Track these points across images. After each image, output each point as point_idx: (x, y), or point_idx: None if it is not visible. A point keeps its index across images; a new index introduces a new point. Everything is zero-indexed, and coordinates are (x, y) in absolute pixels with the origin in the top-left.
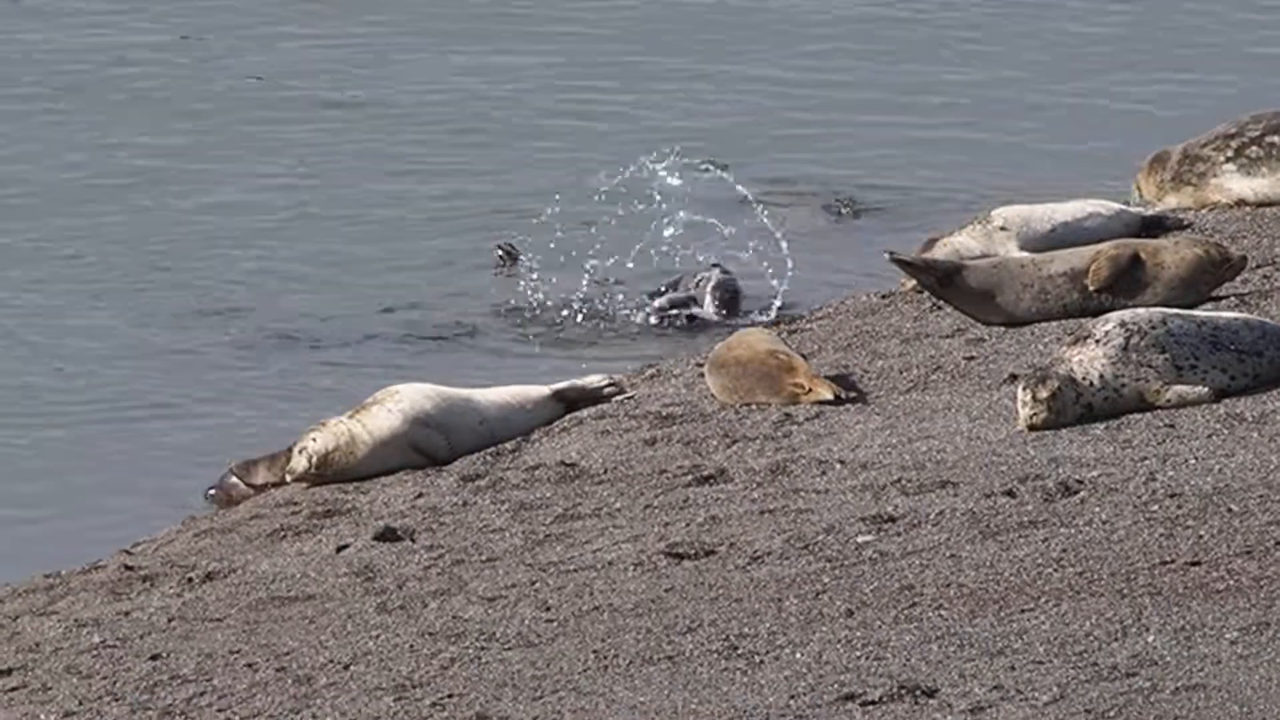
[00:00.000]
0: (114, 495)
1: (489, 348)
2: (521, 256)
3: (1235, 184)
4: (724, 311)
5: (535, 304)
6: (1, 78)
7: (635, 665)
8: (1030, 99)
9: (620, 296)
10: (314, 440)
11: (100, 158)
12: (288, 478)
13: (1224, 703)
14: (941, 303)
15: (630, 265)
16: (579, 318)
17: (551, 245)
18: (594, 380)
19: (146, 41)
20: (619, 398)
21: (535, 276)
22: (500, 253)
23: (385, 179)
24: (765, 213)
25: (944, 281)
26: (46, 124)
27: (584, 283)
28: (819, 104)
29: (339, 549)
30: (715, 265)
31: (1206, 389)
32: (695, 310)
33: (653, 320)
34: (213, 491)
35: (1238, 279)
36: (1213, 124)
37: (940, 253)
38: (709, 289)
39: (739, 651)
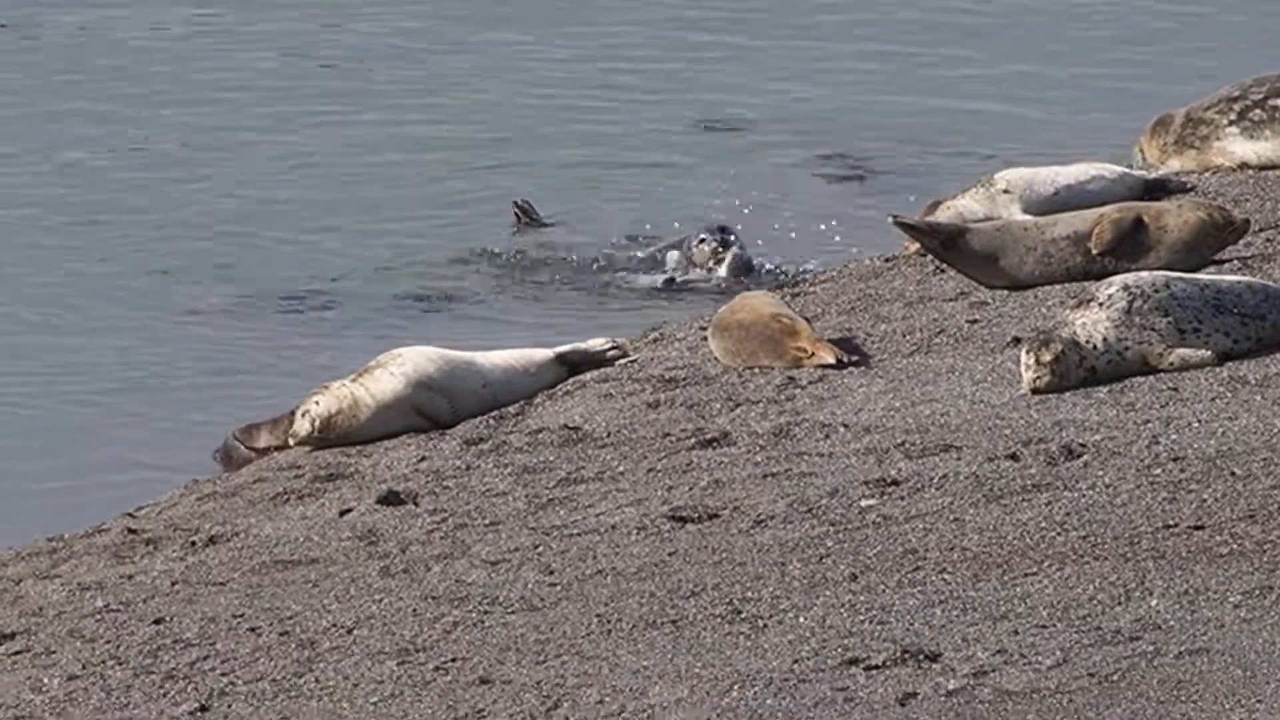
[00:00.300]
0: (117, 458)
1: (493, 309)
2: (536, 215)
3: (1238, 147)
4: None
5: (542, 265)
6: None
7: (638, 629)
8: (1041, 64)
9: (628, 258)
10: (317, 404)
11: (96, 126)
12: (291, 441)
13: (1227, 666)
14: (945, 266)
15: (640, 226)
16: (586, 279)
17: (563, 207)
18: (597, 343)
19: (150, 15)
20: (622, 361)
21: (544, 238)
22: (516, 210)
23: (393, 142)
24: (774, 175)
25: (947, 245)
26: (42, 93)
27: (592, 244)
28: (829, 68)
29: (342, 513)
30: (726, 236)
31: (1209, 352)
32: (709, 279)
33: (659, 286)
34: (217, 454)
35: (1240, 242)
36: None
37: (943, 216)
38: (726, 264)
39: (742, 615)
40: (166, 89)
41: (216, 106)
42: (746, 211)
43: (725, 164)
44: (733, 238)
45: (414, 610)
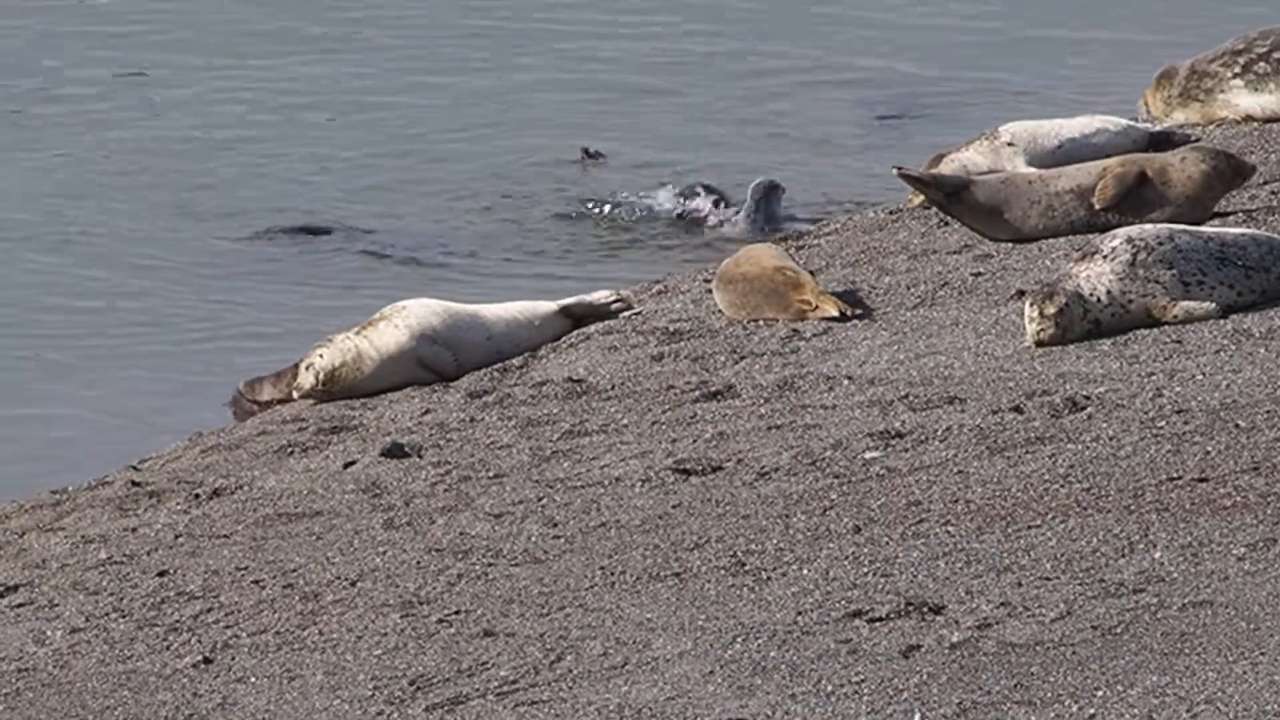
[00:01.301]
0: (120, 410)
1: (498, 262)
2: (603, 158)
3: (1242, 100)
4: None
5: (555, 216)
6: None
7: (642, 582)
8: (1046, 19)
9: (639, 210)
10: (320, 356)
11: (130, 57)
12: (295, 394)
13: (1231, 619)
14: (949, 219)
15: (674, 179)
16: (599, 230)
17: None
18: (601, 295)
19: None
20: (626, 313)
21: (557, 189)
22: (584, 154)
23: (439, 81)
24: (805, 116)
25: (952, 197)
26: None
27: (610, 195)
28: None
29: (346, 465)
30: (697, 192)
31: (1213, 305)
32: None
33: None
34: (233, 407)
35: (1245, 195)
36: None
37: (948, 168)
38: (746, 216)
39: (746, 568)
40: (176, 27)
41: (239, 49)
42: (781, 163)
43: (760, 114)
44: (703, 192)
45: (418, 563)
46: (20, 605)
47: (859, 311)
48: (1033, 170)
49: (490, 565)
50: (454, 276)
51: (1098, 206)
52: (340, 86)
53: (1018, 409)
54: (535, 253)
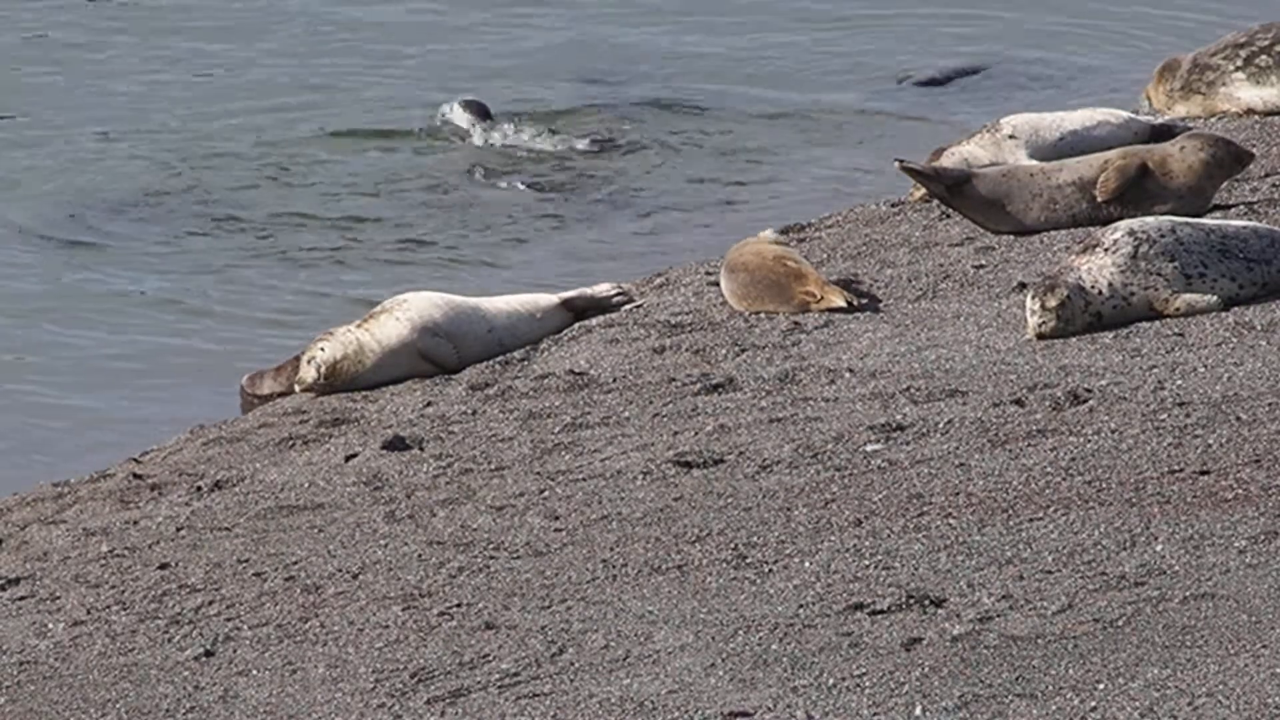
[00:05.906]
0: (122, 403)
1: (500, 252)
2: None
3: (1244, 93)
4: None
5: (553, 204)
6: None
7: (644, 574)
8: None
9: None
10: (322, 350)
11: (129, 67)
12: (296, 388)
13: (1232, 611)
14: (950, 211)
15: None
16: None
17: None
18: (602, 288)
19: None
20: (627, 306)
21: (558, 178)
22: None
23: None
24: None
25: (953, 190)
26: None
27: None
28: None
29: (347, 458)
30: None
31: (1215, 297)
32: None
33: None
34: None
35: (1246, 187)
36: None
37: (949, 161)
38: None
39: (747, 561)
40: (178, 19)
41: (244, 42)
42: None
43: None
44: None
45: (419, 555)
46: (22, 598)
47: (865, 301)
48: (1034, 163)
49: (491, 558)
50: (455, 270)
51: (1099, 199)
52: (335, 81)
53: (1019, 402)
54: (530, 242)
